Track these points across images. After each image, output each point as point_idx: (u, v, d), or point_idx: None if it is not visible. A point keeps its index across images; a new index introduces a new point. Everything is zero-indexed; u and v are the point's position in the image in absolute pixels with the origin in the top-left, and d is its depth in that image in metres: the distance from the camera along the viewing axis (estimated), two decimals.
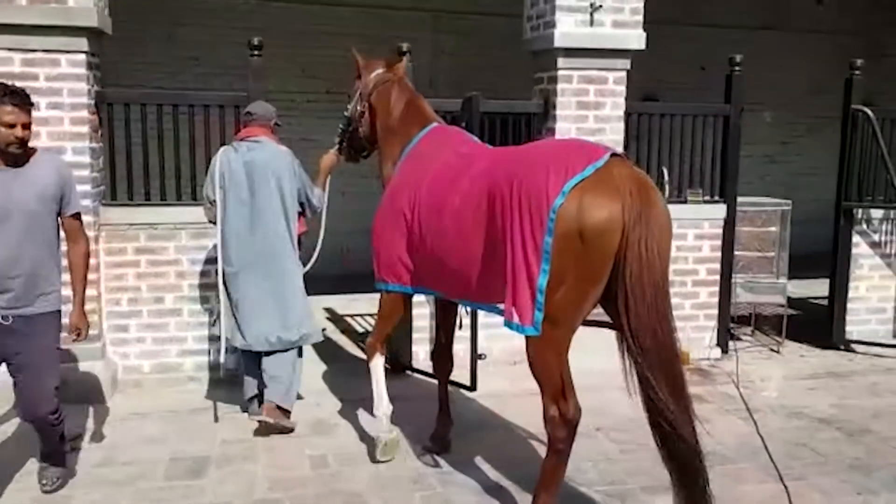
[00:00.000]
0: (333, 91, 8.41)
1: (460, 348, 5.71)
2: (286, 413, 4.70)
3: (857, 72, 6.42)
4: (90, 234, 5.02)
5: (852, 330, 6.69)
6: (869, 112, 6.37)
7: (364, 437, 4.65)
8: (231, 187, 4.65)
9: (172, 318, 5.46)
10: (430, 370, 5.70)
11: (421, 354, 5.89)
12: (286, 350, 4.72)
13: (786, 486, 4.06)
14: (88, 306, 5.08)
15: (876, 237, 6.70)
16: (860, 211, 6.62)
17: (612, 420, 4.94)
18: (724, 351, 6.41)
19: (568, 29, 5.58)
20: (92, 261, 5.07)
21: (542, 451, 4.25)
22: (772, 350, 6.64)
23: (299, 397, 4.95)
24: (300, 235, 4.90)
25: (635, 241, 3.00)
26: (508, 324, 3.23)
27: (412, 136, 4.16)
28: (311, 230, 5.04)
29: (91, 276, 5.00)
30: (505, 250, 3.18)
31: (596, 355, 5.44)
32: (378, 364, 4.29)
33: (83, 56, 4.95)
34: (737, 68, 6.18)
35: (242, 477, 4.11)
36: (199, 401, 5.21)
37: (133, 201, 5.43)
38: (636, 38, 5.69)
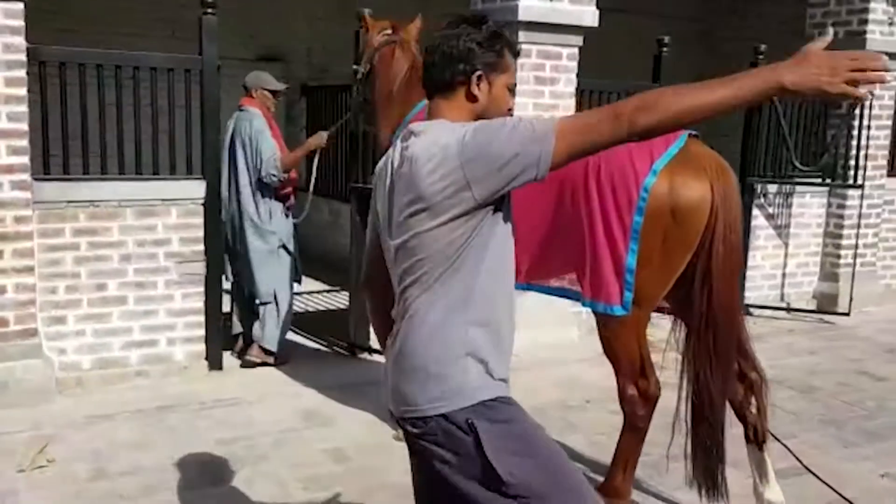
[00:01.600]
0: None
1: None
2: (270, 354, 5.25)
3: (761, 56, 6.92)
4: (26, 213, 4.39)
5: (749, 296, 7.29)
6: (775, 102, 6.92)
7: (366, 424, 4.43)
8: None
9: (116, 307, 4.85)
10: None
11: None
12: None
13: (785, 445, 4.37)
14: (24, 296, 4.48)
15: (771, 210, 7.33)
16: (759, 185, 7.19)
17: (596, 392, 5.03)
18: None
19: (530, 2, 5.54)
20: (27, 244, 4.47)
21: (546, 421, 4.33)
22: None
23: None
24: (289, 191, 5.28)
25: (721, 221, 3.05)
26: (592, 304, 3.17)
27: (413, 102, 3.93)
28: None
29: (25, 262, 4.39)
30: (580, 230, 3.11)
31: (545, 329, 5.58)
32: None
33: (21, 5, 4.22)
34: (664, 49, 6.45)
35: (269, 478, 3.76)
36: (158, 397, 4.69)
37: (70, 175, 4.73)
38: (591, 15, 5.76)
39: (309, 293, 7.30)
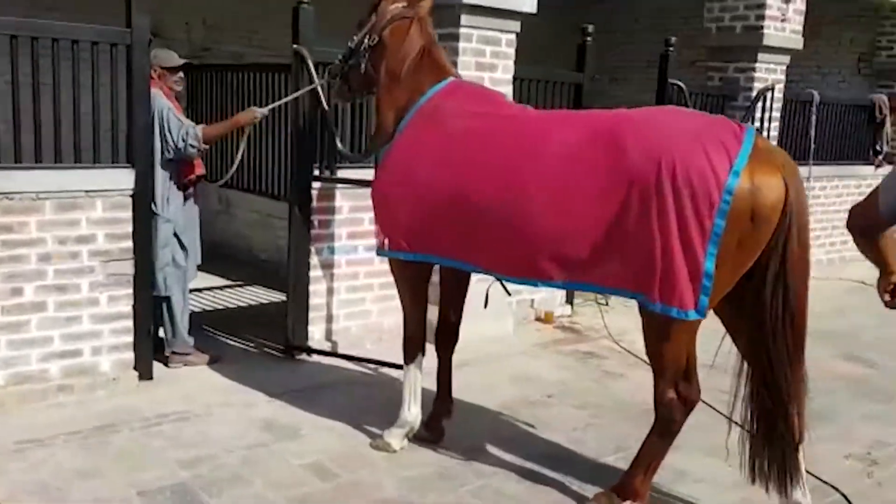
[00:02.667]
0: None
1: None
2: (186, 355, 4.96)
3: (671, 48, 7.09)
4: None
5: None
6: (682, 84, 7.12)
7: (335, 433, 4.13)
8: None
9: (34, 314, 4.24)
10: (330, 350, 5.25)
11: (317, 334, 5.34)
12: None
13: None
14: None
15: None
16: None
17: (552, 387, 5.00)
18: (572, 305, 6.77)
19: None
20: None
21: (514, 423, 4.35)
22: (599, 303, 7.15)
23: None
24: (192, 179, 4.88)
25: (795, 220, 3.02)
26: (664, 308, 3.03)
27: (424, 88, 3.70)
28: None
29: None
30: (649, 231, 2.98)
31: (485, 321, 5.47)
32: (413, 367, 3.96)
33: None
34: (588, 38, 6.46)
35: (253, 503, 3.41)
36: (92, 415, 4.16)
37: None
38: (529, 2, 5.65)
39: (210, 289, 6.79)
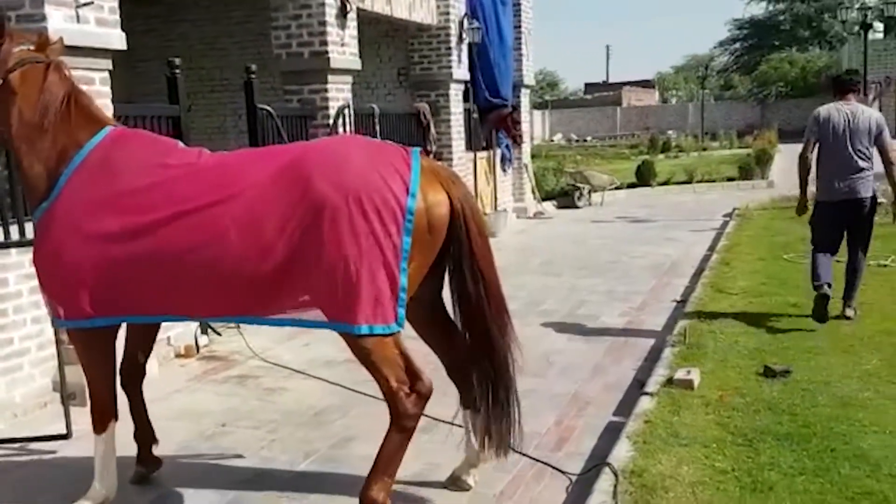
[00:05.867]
0: None
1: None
2: None
3: (253, 75, 7.44)
4: None
5: None
6: (270, 109, 7.52)
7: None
8: None
9: None
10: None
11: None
12: None
13: None
14: None
15: None
16: None
17: (222, 416, 5.07)
18: (205, 332, 6.75)
19: (61, 24, 5.08)
20: None
21: (200, 459, 4.41)
22: (232, 326, 7.20)
23: None
24: None
25: (470, 221, 3.45)
26: (372, 328, 3.21)
27: (81, 141, 3.50)
28: None
29: None
30: (346, 257, 3.15)
31: None
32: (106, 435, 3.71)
33: None
34: (177, 71, 6.50)
35: None
36: None
37: None
38: (118, 38, 5.54)
39: None
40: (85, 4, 5.23)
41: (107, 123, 3.67)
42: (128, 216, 3.35)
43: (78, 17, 5.23)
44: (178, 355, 6.26)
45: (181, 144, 3.74)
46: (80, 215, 3.41)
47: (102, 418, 3.69)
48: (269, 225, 3.25)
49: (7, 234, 5.07)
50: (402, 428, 3.38)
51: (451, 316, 3.74)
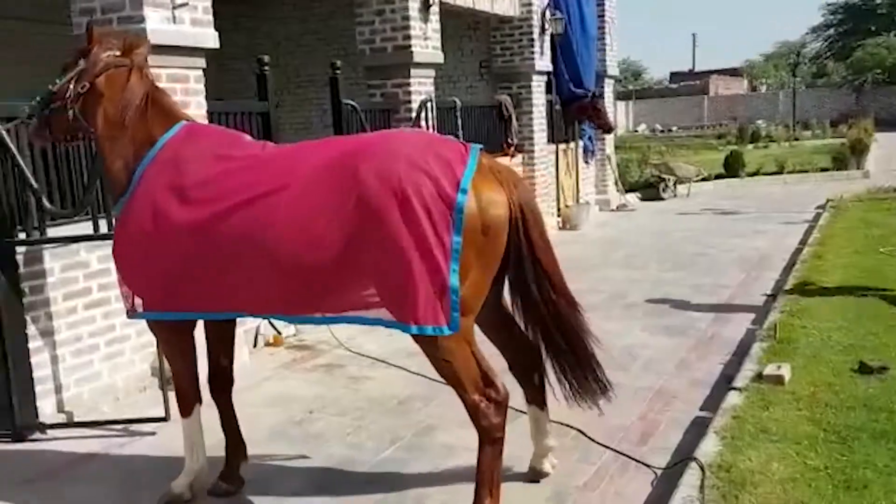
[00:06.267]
0: None
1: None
2: None
3: (338, 71, 7.59)
4: None
5: None
6: (355, 104, 7.66)
7: (112, 501, 3.94)
8: None
9: None
10: (66, 422, 4.91)
11: (47, 409, 4.93)
12: None
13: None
14: None
15: None
16: None
17: (310, 402, 5.21)
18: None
19: (158, 25, 5.31)
20: None
21: (292, 443, 4.51)
22: None
23: None
24: None
25: (530, 223, 3.36)
26: (421, 328, 3.13)
27: (155, 136, 3.61)
28: None
29: None
30: (393, 255, 3.08)
31: None
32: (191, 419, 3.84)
33: None
34: (266, 68, 6.69)
35: None
36: None
37: None
38: (212, 37, 5.74)
39: None
40: (181, 6, 5.44)
41: (181, 118, 3.75)
42: (192, 207, 3.38)
43: (174, 17, 5.45)
44: (267, 344, 6.46)
45: (247, 137, 3.78)
46: (148, 210, 3.48)
47: (187, 404, 3.81)
48: (318, 217, 3.20)
49: (109, 225, 5.32)
50: (491, 440, 3.34)
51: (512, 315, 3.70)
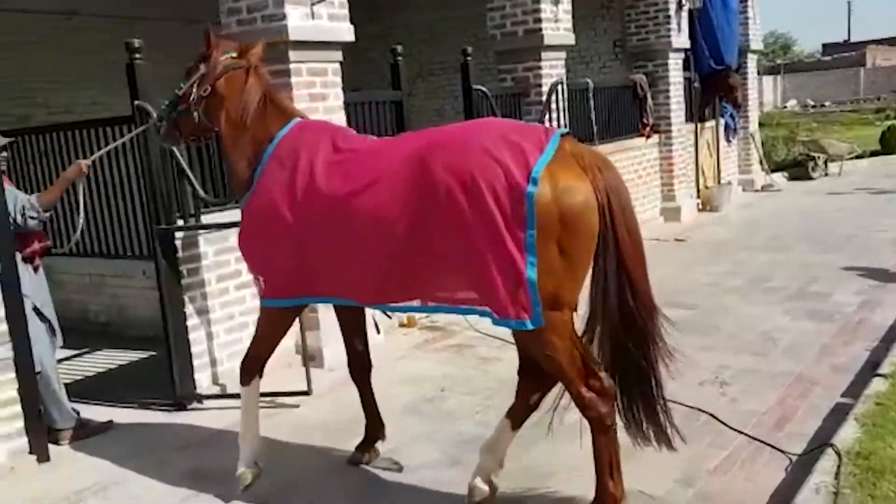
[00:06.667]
0: None
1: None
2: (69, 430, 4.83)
3: (468, 57, 7.70)
4: None
5: None
6: (485, 89, 7.76)
7: (299, 469, 4.24)
8: None
9: None
10: (220, 393, 5.29)
11: (204, 382, 5.36)
12: None
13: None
14: None
15: None
16: None
17: (441, 381, 5.38)
18: None
19: (298, 22, 5.59)
20: None
21: (425, 419, 4.63)
22: None
23: None
24: (36, 250, 4.70)
25: (617, 216, 3.14)
26: (505, 321, 3.10)
27: (272, 134, 3.77)
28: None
29: None
30: (460, 241, 3.07)
31: None
32: (251, 388, 3.97)
33: None
34: (399, 58, 6.89)
35: None
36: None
37: None
38: (347, 31, 5.99)
39: (64, 360, 6.47)
40: (319, 2, 5.70)
41: (295, 115, 3.90)
42: (306, 202, 3.51)
43: (312, 13, 5.72)
44: (400, 325, 6.70)
45: (352, 132, 3.92)
46: (268, 203, 3.64)
47: (250, 373, 3.95)
48: (398, 208, 3.24)
49: None
50: (601, 429, 3.27)
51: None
